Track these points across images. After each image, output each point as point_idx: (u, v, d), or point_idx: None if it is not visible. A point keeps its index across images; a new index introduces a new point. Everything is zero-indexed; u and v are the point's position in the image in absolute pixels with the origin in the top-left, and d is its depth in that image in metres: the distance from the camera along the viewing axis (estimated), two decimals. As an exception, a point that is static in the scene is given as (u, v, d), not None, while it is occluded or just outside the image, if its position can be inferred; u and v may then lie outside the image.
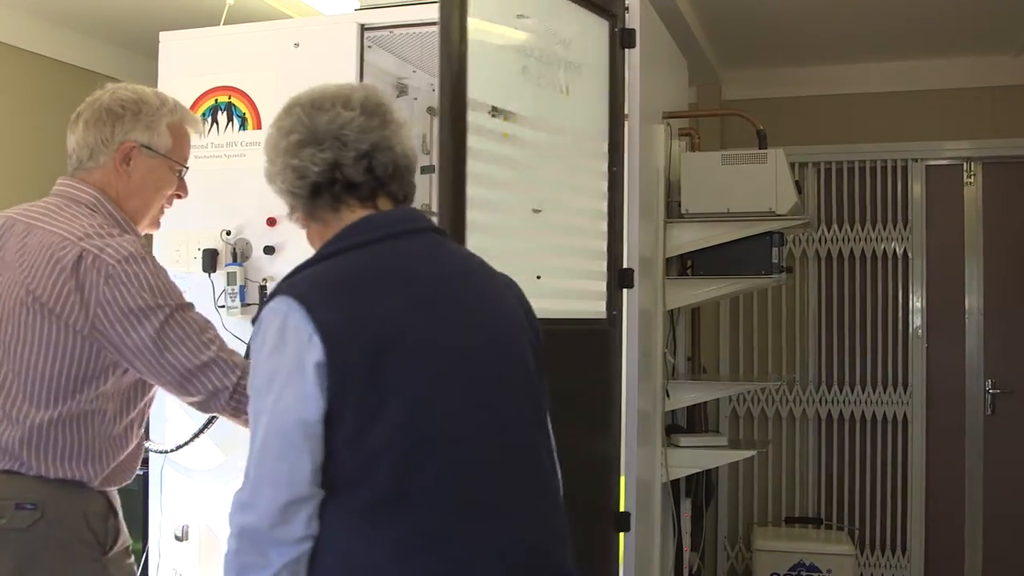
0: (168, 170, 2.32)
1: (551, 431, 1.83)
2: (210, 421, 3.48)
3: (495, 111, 2.73)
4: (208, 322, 2.17)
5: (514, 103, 2.79)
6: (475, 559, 1.62)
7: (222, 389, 2.10)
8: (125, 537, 2.25)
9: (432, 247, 1.82)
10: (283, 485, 1.57)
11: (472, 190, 2.66)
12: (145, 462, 3.94)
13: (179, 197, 2.41)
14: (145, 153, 2.26)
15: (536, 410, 1.79)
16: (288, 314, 1.61)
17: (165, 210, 2.45)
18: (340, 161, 1.77)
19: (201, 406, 2.15)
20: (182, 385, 2.10)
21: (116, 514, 2.22)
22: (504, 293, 1.86)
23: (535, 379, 1.80)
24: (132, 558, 2.31)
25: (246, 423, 1.71)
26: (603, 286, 3.22)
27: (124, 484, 2.25)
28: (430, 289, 1.73)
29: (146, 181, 2.29)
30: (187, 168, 2.38)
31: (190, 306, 2.16)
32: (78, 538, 2.10)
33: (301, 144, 1.79)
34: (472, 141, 2.64)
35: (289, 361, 1.60)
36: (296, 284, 1.68)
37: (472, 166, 2.65)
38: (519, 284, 1.95)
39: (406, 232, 1.79)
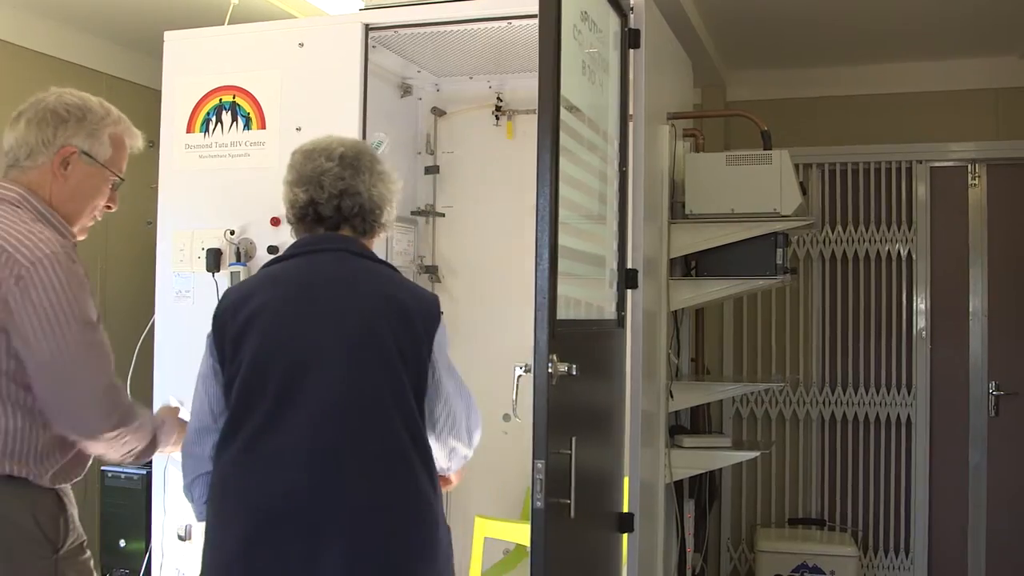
0: (103, 180, 2.35)
1: (399, 394, 2.25)
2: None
3: (570, 106, 2.73)
4: (108, 349, 2.22)
5: (576, 98, 2.79)
6: (269, 464, 2.18)
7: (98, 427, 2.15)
8: (79, 534, 2.24)
9: (328, 261, 2.36)
10: (195, 417, 2.32)
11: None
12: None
13: (108, 209, 2.43)
14: (84, 160, 2.30)
15: (371, 374, 2.23)
16: (220, 300, 2.35)
17: (94, 221, 2.46)
18: (316, 199, 2.36)
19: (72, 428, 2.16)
20: (63, 404, 2.11)
21: (67, 510, 2.22)
22: (368, 297, 2.31)
23: (387, 360, 2.24)
24: (88, 553, 2.30)
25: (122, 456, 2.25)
26: (614, 286, 3.24)
27: (76, 480, 2.25)
28: (298, 286, 2.31)
29: (81, 188, 2.31)
30: (122, 180, 2.41)
31: (96, 326, 2.18)
32: (26, 536, 2.10)
33: (293, 183, 2.38)
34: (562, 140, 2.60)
35: (208, 339, 2.32)
36: (236, 284, 2.46)
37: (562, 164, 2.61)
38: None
39: (319, 251, 2.37)
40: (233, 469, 2.22)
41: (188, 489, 2.36)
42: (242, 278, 3.59)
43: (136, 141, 2.44)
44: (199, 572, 2.26)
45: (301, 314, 2.27)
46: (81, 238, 2.39)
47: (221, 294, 2.39)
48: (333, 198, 2.35)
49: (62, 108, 2.28)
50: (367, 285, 2.34)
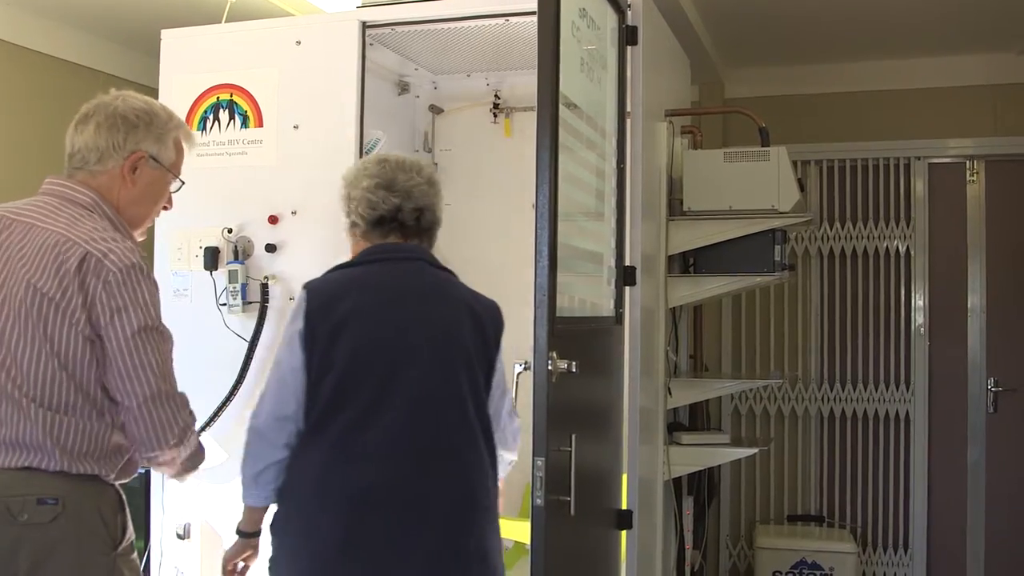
0: (166, 182, 2.41)
1: (477, 394, 2.48)
2: (212, 419, 3.49)
3: (569, 104, 2.73)
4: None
5: (575, 95, 2.79)
6: (363, 452, 2.38)
7: (182, 428, 2.22)
8: (131, 532, 2.29)
9: (413, 270, 2.59)
10: (275, 405, 2.44)
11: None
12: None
13: (165, 209, 2.50)
14: (151, 164, 2.34)
15: (455, 374, 2.45)
16: (301, 299, 2.48)
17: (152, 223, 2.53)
18: (403, 207, 2.58)
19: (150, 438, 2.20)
20: (140, 408, 2.16)
21: (125, 509, 2.27)
22: (452, 305, 2.56)
23: (467, 361, 2.49)
24: (136, 553, 2.34)
25: (179, 470, 2.27)
26: (612, 283, 3.24)
27: (132, 478, 2.31)
28: (392, 292, 2.53)
29: (147, 191, 2.36)
30: (184, 182, 2.47)
31: (168, 335, 2.26)
32: (93, 532, 2.14)
33: (379, 187, 2.58)
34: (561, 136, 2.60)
35: (291, 328, 2.46)
36: (316, 281, 2.54)
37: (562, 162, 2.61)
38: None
39: (402, 259, 2.59)
40: (331, 460, 2.39)
41: (257, 475, 2.47)
42: (240, 277, 3.59)
43: (193, 143, 2.50)
44: (275, 553, 2.44)
45: (394, 319, 2.49)
46: (140, 240, 2.43)
47: (304, 292, 2.50)
48: (416, 210, 2.59)
49: (131, 113, 2.31)
50: (446, 293, 2.59)
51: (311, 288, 2.50)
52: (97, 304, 2.12)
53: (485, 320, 2.56)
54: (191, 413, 2.27)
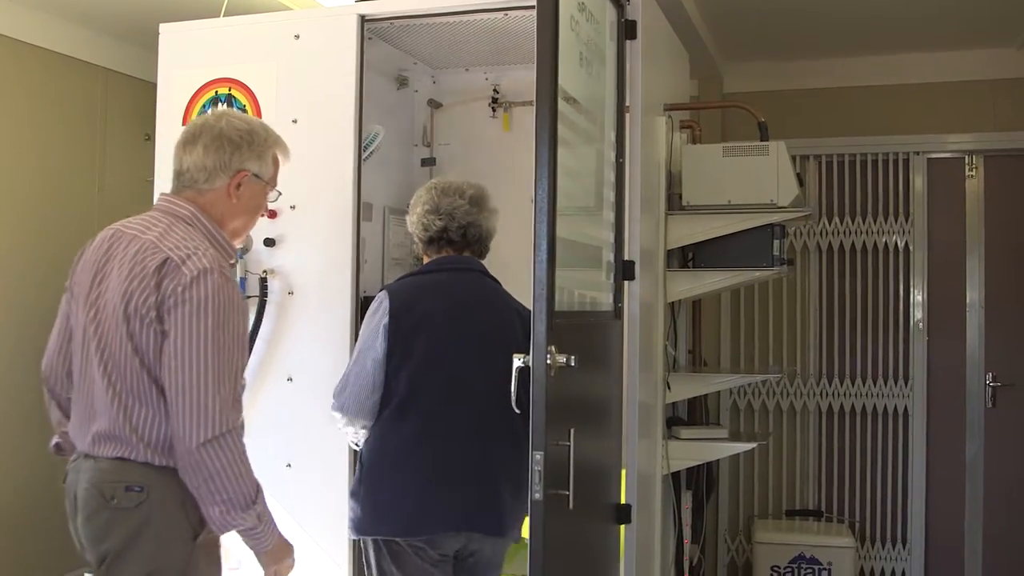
0: (265, 194, 2.61)
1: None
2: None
3: (568, 98, 2.73)
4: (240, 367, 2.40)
5: (574, 89, 2.79)
6: (435, 434, 2.95)
7: (227, 431, 2.28)
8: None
9: (471, 280, 3.13)
10: (360, 385, 2.96)
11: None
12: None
13: (263, 216, 2.77)
14: (253, 180, 2.54)
15: (508, 370, 2.59)
16: (383, 299, 3.00)
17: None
18: (448, 227, 3.09)
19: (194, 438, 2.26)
20: (180, 414, 2.25)
21: None
22: (504, 312, 3.11)
23: (496, 359, 2.79)
24: (222, 546, 2.49)
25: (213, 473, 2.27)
26: (611, 278, 3.24)
27: None
28: (456, 299, 3.06)
29: (249, 204, 2.56)
30: (280, 193, 2.72)
31: (230, 344, 2.33)
32: (175, 520, 2.32)
33: (430, 212, 3.11)
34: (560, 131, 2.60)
35: (374, 323, 2.97)
36: (393, 285, 3.09)
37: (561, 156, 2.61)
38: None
39: (460, 269, 3.13)
40: (412, 441, 2.94)
41: (354, 434, 3.08)
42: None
43: (287, 155, 2.66)
44: (361, 512, 2.94)
45: (459, 323, 3.01)
46: (239, 246, 2.72)
47: (385, 292, 3.03)
48: (461, 228, 3.09)
49: (235, 134, 2.50)
50: (499, 301, 3.14)
51: (392, 290, 3.03)
52: (166, 303, 2.28)
53: (527, 323, 2.62)
54: (228, 422, 2.28)
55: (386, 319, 2.95)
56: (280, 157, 2.63)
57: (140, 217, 2.49)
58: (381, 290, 3.08)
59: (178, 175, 2.52)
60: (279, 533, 2.43)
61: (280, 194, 2.71)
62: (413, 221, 3.17)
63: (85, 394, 2.39)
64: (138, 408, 2.31)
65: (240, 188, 2.51)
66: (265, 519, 2.37)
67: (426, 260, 3.20)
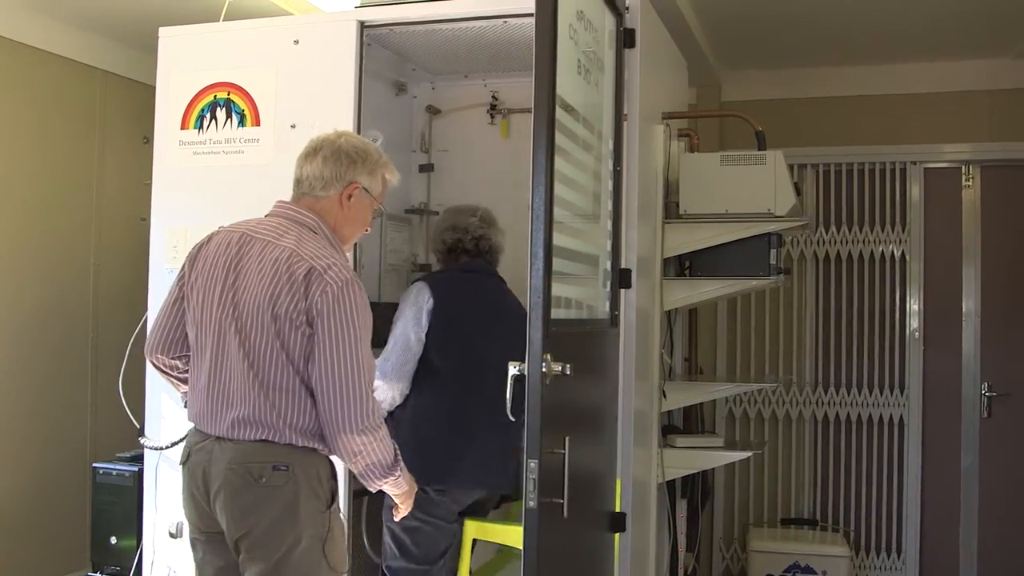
0: (371, 209, 2.85)
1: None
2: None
3: (566, 106, 2.73)
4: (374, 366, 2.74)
5: (572, 97, 2.79)
6: (459, 409, 3.46)
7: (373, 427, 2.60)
8: (339, 495, 2.76)
9: (491, 281, 3.71)
10: (400, 358, 3.46)
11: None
12: (140, 458, 3.95)
13: (365, 231, 2.94)
14: (363, 194, 2.79)
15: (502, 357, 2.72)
16: (422, 288, 3.52)
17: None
18: (462, 239, 3.68)
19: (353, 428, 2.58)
20: (336, 408, 2.56)
21: (336, 476, 2.73)
22: (515, 309, 3.59)
23: (508, 347, 2.78)
24: (340, 512, 2.80)
25: (364, 465, 2.65)
26: (608, 286, 3.24)
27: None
28: (483, 296, 3.63)
29: (357, 216, 2.81)
30: (384, 210, 2.99)
31: (369, 344, 2.65)
32: (314, 494, 2.62)
33: (445, 229, 3.72)
34: (558, 139, 2.60)
35: (417, 306, 3.48)
36: (427, 277, 3.67)
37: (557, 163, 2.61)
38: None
39: (488, 275, 3.71)
40: (447, 408, 3.45)
41: (391, 400, 3.48)
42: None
43: (395, 178, 2.91)
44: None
45: (490, 319, 3.54)
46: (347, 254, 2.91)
47: (423, 282, 3.56)
48: (474, 239, 3.66)
49: (352, 150, 2.78)
50: (511, 301, 3.66)
51: (430, 282, 3.57)
52: (314, 308, 2.56)
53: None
54: (376, 414, 2.61)
55: (430, 303, 3.47)
56: (387, 177, 2.87)
57: (265, 222, 2.76)
58: (416, 281, 3.62)
59: (297, 183, 2.79)
60: (409, 477, 2.79)
61: (383, 211, 2.99)
62: (434, 239, 3.80)
63: (220, 382, 2.64)
64: (283, 397, 2.59)
65: (351, 199, 2.77)
66: (401, 472, 2.72)
67: (444, 265, 3.76)
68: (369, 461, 2.63)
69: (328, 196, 2.76)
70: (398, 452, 2.72)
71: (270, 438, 2.59)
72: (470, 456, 3.42)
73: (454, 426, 3.44)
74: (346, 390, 2.56)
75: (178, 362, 2.85)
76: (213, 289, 2.68)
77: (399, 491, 2.80)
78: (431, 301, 3.48)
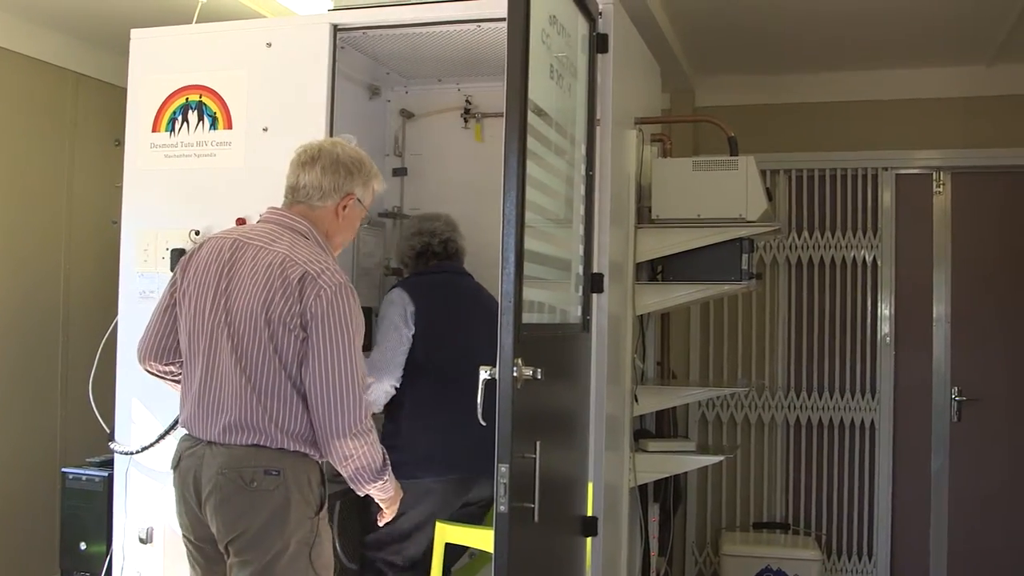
0: (361, 217, 2.94)
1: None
2: (175, 423, 3.47)
3: (538, 110, 2.73)
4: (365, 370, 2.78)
5: (544, 101, 2.79)
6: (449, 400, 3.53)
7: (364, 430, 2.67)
8: (326, 500, 2.77)
9: (465, 280, 3.91)
10: (391, 357, 3.61)
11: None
12: (110, 463, 3.92)
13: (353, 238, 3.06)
14: (357, 204, 2.88)
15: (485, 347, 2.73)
16: (401, 294, 3.69)
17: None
18: (431, 243, 3.87)
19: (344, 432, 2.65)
20: (329, 411, 2.62)
21: (326, 482, 2.77)
22: (491, 304, 3.56)
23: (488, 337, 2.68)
24: (327, 518, 2.83)
25: (353, 469, 2.71)
26: (580, 290, 3.24)
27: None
28: (458, 293, 3.85)
29: (349, 224, 2.90)
30: (370, 220, 3.07)
31: (360, 346, 2.70)
32: (305, 499, 2.66)
33: (413, 235, 3.91)
34: (529, 143, 2.60)
35: (401, 310, 3.65)
36: (404, 283, 3.81)
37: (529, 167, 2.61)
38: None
39: (461, 274, 3.92)
40: (437, 399, 3.61)
41: (384, 395, 3.60)
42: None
43: (382, 187, 3.01)
44: (405, 457, 3.37)
45: (470, 315, 3.72)
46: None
47: (402, 289, 3.73)
48: (442, 242, 3.87)
49: (349, 161, 2.85)
50: (485, 296, 3.84)
51: (406, 285, 3.76)
52: (308, 312, 2.62)
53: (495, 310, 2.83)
54: (367, 419, 2.67)
55: (412, 307, 3.64)
56: (377, 188, 2.96)
57: (257, 228, 2.82)
58: (393, 288, 3.79)
59: (293, 190, 2.84)
60: (395, 483, 2.85)
61: (369, 219, 3.10)
62: (401, 248, 3.96)
63: (212, 388, 2.69)
64: (276, 402, 2.63)
65: (346, 209, 2.85)
66: (388, 477, 2.78)
67: (414, 270, 3.92)
68: (359, 464, 2.68)
69: (325, 206, 2.83)
70: (387, 457, 2.77)
71: (262, 442, 2.63)
72: (464, 442, 3.37)
73: (446, 416, 3.55)
74: (340, 394, 2.62)
75: (172, 367, 2.91)
76: (206, 295, 2.73)
77: (385, 496, 2.84)
78: (412, 305, 3.65)
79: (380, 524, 3.04)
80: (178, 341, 2.84)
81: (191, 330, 2.76)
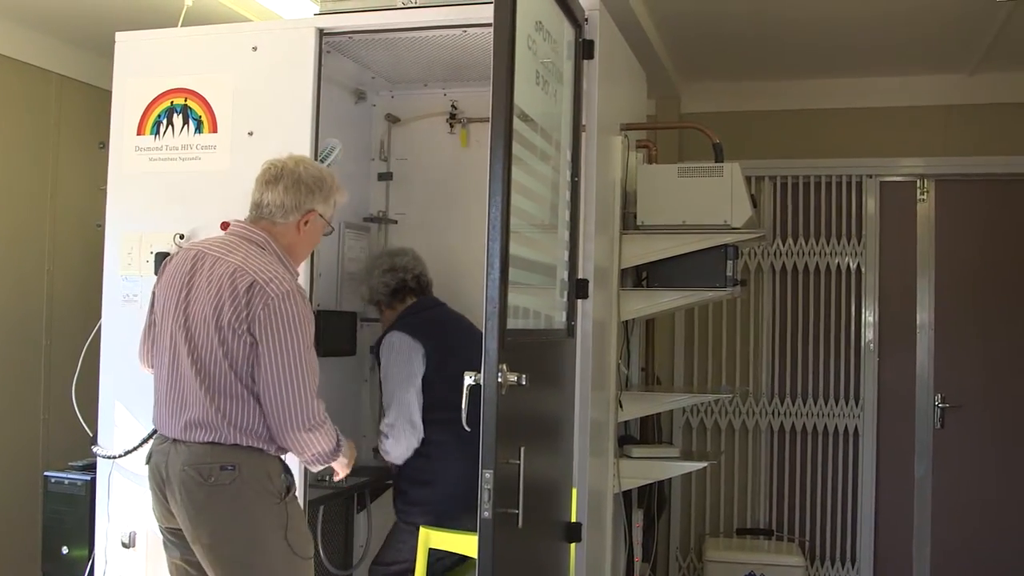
0: (322, 230, 3.07)
1: None
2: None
3: (524, 116, 2.73)
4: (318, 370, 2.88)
5: (530, 107, 2.79)
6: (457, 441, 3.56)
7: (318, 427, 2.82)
8: (294, 487, 2.92)
9: (448, 309, 3.98)
10: (410, 412, 3.69)
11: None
12: (92, 467, 3.91)
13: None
14: (318, 219, 3.01)
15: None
16: (403, 338, 3.76)
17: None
18: (406, 279, 3.94)
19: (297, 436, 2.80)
20: (283, 410, 2.77)
21: (288, 471, 2.92)
22: (472, 330, 3.81)
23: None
24: (298, 500, 3.01)
25: (310, 456, 2.87)
26: (565, 296, 3.24)
27: (287, 453, 2.90)
28: (457, 326, 3.93)
29: (310, 238, 3.04)
30: (333, 230, 3.17)
31: (312, 351, 2.83)
32: (264, 490, 2.79)
33: (386, 272, 3.94)
34: (515, 149, 2.60)
35: (412, 354, 3.72)
36: (402, 326, 3.81)
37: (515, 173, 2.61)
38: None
39: (435, 306, 3.97)
40: (456, 440, 3.56)
41: (410, 445, 3.72)
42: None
43: (344, 199, 3.13)
44: (434, 499, 3.70)
45: (461, 347, 3.68)
46: (298, 269, 3.09)
47: (403, 333, 3.76)
48: (415, 277, 3.96)
49: (311, 180, 2.97)
50: (467, 323, 3.96)
51: (406, 327, 3.79)
52: (256, 319, 2.74)
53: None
54: (320, 412, 2.82)
55: (422, 350, 3.71)
56: (339, 200, 3.08)
57: (219, 240, 2.94)
58: (388, 332, 3.82)
59: (257, 206, 2.97)
60: (347, 445, 3.00)
61: (333, 230, 3.17)
62: (373, 286, 3.96)
63: (175, 388, 2.85)
64: (227, 401, 2.77)
65: (307, 224, 2.98)
66: (342, 452, 2.94)
67: (389, 313, 3.97)
68: (315, 451, 2.85)
69: (287, 223, 2.96)
70: (339, 435, 2.93)
71: (217, 440, 2.78)
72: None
73: (473, 451, 3.55)
74: (290, 394, 2.76)
75: None
76: (169, 303, 2.90)
77: (337, 464, 3.00)
78: (421, 349, 3.73)
79: (336, 479, 3.20)
80: None
81: (157, 335, 2.95)
